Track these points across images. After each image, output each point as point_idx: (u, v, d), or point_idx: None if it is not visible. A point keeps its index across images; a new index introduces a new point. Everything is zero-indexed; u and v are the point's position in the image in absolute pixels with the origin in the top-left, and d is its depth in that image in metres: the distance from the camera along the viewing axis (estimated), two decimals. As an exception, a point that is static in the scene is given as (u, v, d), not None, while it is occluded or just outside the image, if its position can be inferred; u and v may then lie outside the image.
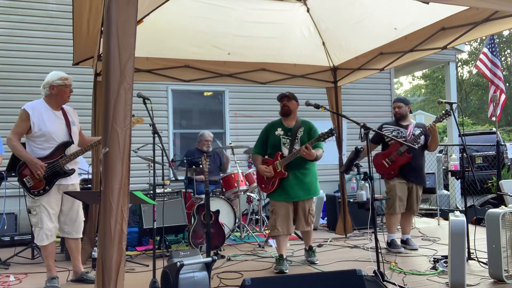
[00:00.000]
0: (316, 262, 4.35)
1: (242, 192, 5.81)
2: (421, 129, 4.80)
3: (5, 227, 5.81)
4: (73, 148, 3.80)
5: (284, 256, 4.22)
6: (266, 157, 4.39)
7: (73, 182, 3.85)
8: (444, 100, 4.73)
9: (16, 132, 3.66)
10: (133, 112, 2.12)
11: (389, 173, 4.87)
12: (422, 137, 4.82)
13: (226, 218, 5.43)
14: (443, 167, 9.32)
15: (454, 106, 4.61)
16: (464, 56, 30.39)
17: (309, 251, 4.46)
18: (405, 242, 4.94)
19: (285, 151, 4.26)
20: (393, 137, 4.66)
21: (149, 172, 5.86)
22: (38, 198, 3.64)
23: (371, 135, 3.71)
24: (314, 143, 4.09)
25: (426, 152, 5.03)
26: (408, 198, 4.88)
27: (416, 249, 4.83)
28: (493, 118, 7.16)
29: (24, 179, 3.63)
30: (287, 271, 4.09)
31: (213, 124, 8.05)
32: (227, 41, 5.17)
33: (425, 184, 5.01)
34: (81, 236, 3.93)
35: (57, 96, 3.77)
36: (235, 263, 4.50)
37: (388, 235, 4.93)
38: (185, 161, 5.94)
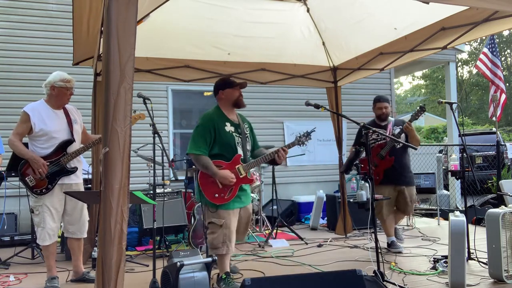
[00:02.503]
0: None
1: (242, 192, 5.79)
2: (400, 127, 4.68)
3: (5, 227, 5.81)
4: (75, 147, 3.81)
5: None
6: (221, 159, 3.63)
7: (77, 181, 3.86)
8: (444, 100, 4.73)
9: (17, 133, 3.68)
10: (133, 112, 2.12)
11: (374, 179, 4.62)
12: (403, 136, 4.69)
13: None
14: (443, 167, 9.32)
15: (454, 106, 4.61)
16: (464, 56, 30.42)
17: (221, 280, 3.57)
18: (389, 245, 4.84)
19: (240, 151, 3.64)
20: (393, 137, 4.49)
21: (149, 172, 5.86)
22: (41, 197, 3.65)
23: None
24: (292, 146, 3.64)
25: (420, 152, 4.97)
26: (400, 201, 4.74)
27: (401, 252, 4.68)
28: (494, 118, 7.17)
29: (26, 179, 3.64)
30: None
31: (213, 124, 8.04)
32: (227, 41, 5.17)
33: (414, 184, 4.86)
34: (85, 236, 3.95)
35: (57, 97, 3.77)
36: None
37: (387, 238, 4.92)
38: (185, 162, 5.94)
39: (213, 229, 3.54)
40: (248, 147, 3.75)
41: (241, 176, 3.59)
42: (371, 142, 4.77)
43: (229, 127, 3.65)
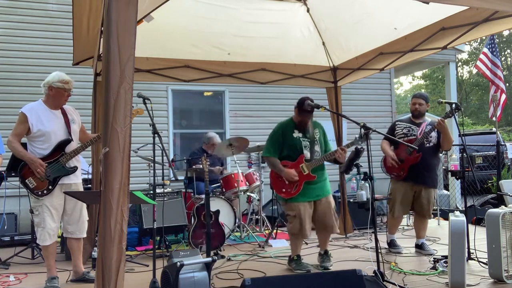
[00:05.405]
0: (330, 268, 4.14)
1: (242, 192, 5.81)
2: (430, 126, 4.56)
3: (5, 227, 5.81)
4: (73, 146, 3.80)
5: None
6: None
7: (76, 181, 3.86)
8: (444, 100, 4.71)
9: (15, 134, 3.68)
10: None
11: (398, 173, 4.62)
12: (434, 135, 4.56)
13: (226, 218, 5.43)
14: (443, 167, 9.31)
15: (454, 106, 4.59)
16: (464, 56, 30.37)
17: (325, 255, 4.29)
18: (420, 247, 4.72)
19: (307, 153, 4.17)
20: (395, 139, 4.46)
21: (149, 172, 5.86)
22: (42, 198, 3.65)
23: (372, 135, 3.66)
24: (350, 146, 4.04)
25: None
26: (416, 202, 4.64)
27: (432, 254, 4.55)
28: (494, 118, 7.17)
29: (27, 180, 3.64)
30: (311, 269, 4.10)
31: (213, 124, 8.05)
32: (227, 41, 5.17)
33: (435, 186, 4.73)
34: (84, 235, 3.94)
35: (54, 97, 3.77)
36: (235, 263, 4.49)
37: (388, 235, 4.92)
38: (185, 161, 5.94)
39: (290, 220, 4.15)
40: (317, 149, 4.23)
41: (304, 173, 4.11)
42: (401, 136, 4.64)
43: (296, 134, 4.21)
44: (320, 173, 4.22)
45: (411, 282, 3.60)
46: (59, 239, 5.04)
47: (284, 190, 4.15)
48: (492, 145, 7.89)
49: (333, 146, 4.54)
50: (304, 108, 4.12)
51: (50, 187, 3.66)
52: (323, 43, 5.58)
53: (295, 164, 4.15)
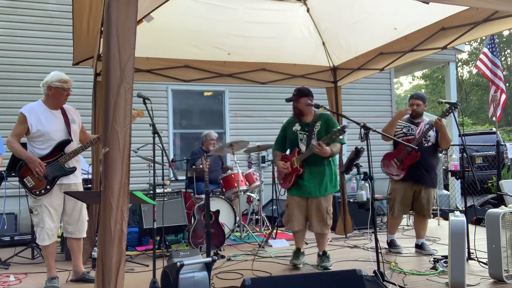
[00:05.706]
0: (330, 268, 4.11)
1: (242, 192, 5.81)
2: (428, 125, 4.56)
3: (5, 227, 5.81)
4: (72, 147, 3.80)
5: (302, 250, 4.36)
6: (287, 152, 4.39)
7: (75, 181, 3.86)
8: (444, 100, 4.71)
9: (14, 134, 3.68)
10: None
11: (398, 174, 4.62)
12: (433, 134, 4.56)
13: (226, 218, 5.43)
14: (443, 167, 9.32)
15: (452, 105, 4.58)
16: (464, 56, 30.37)
17: (323, 256, 4.24)
18: (420, 247, 4.72)
19: (302, 147, 4.22)
20: (395, 138, 4.49)
21: (149, 172, 5.86)
22: (40, 198, 3.65)
23: (371, 135, 3.66)
24: (327, 140, 3.98)
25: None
26: (416, 202, 4.63)
27: (432, 254, 4.54)
28: (494, 118, 7.17)
29: (25, 180, 3.63)
30: (300, 265, 4.26)
31: (213, 124, 8.05)
32: (227, 41, 5.17)
33: (435, 185, 4.72)
34: (84, 235, 3.94)
35: (53, 97, 3.77)
36: (235, 263, 4.50)
37: (388, 235, 4.92)
38: (185, 162, 5.94)
39: (285, 210, 4.34)
40: (314, 142, 4.15)
41: (294, 167, 4.21)
42: (400, 136, 4.64)
43: (296, 127, 4.31)
44: (316, 170, 4.17)
45: (411, 282, 3.60)
46: (59, 239, 5.04)
47: (281, 181, 4.39)
48: (492, 145, 7.90)
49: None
50: (294, 93, 4.27)
51: (48, 186, 3.66)
52: (323, 43, 5.58)
53: (290, 157, 4.28)
